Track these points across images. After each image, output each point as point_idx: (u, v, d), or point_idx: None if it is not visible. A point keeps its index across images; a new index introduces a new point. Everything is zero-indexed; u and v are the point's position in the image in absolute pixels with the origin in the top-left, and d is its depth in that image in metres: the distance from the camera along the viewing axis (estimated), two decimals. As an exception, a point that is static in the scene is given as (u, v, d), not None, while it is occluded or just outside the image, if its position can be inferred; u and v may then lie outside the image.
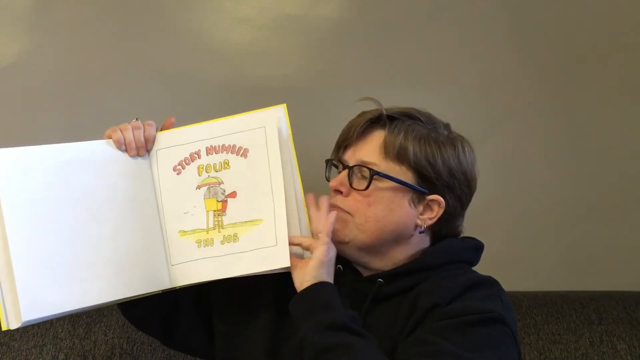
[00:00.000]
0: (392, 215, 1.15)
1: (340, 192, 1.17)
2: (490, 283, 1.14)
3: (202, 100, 1.64)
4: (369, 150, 1.16)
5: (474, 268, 1.22)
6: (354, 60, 1.66)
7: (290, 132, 1.21)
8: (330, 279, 1.11)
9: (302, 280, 1.10)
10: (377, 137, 1.16)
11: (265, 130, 1.21)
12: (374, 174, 1.14)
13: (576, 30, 1.66)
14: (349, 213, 1.16)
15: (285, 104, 1.22)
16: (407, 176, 1.15)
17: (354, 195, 1.16)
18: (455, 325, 1.04)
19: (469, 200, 1.22)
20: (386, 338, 1.09)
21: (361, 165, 1.15)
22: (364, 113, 1.19)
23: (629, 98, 1.68)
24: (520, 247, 1.69)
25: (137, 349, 1.48)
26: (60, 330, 1.49)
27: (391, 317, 1.12)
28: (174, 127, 1.26)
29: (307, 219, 1.18)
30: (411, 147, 1.14)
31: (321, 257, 1.10)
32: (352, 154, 1.18)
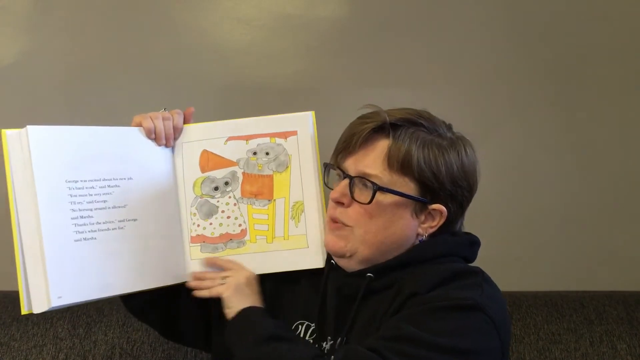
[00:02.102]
0: (393, 227, 1.14)
1: (342, 204, 1.15)
2: (473, 273, 1.12)
3: (202, 100, 1.64)
4: (372, 161, 1.13)
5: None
6: (353, 61, 1.66)
7: (317, 139, 1.25)
8: (252, 300, 1.16)
9: (229, 311, 1.15)
10: (380, 147, 1.13)
11: (298, 136, 1.25)
12: (377, 189, 1.11)
13: (576, 30, 1.66)
14: (349, 226, 1.15)
15: (314, 111, 1.26)
16: (409, 187, 1.12)
17: (356, 206, 1.14)
18: (426, 310, 1.03)
19: (470, 202, 1.20)
20: (370, 332, 1.09)
21: (363, 177, 1.13)
22: (365, 118, 1.15)
23: (629, 98, 1.67)
24: (520, 247, 1.69)
25: (137, 349, 1.48)
26: (60, 330, 1.49)
27: (376, 311, 1.12)
28: (193, 119, 1.28)
29: (324, 222, 1.23)
30: (415, 159, 1.11)
31: (227, 294, 1.17)
32: (353, 163, 1.15)
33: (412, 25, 1.65)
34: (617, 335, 1.45)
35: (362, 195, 1.13)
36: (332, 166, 1.20)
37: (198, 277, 1.23)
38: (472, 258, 1.21)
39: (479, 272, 1.13)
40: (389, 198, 1.12)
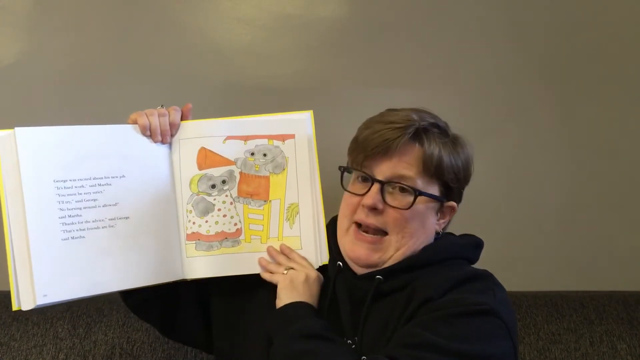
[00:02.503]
0: (423, 228, 1.16)
1: (375, 209, 1.15)
2: (484, 276, 1.14)
3: (202, 100, 1.64)
4: (408, 167, 1.14)
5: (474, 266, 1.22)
6: (353, 61, 1.66)
7: (315, 140, 1.25)
8: (303, 297, 1.15)
9: (279, 301, 1.16)
10: (414, 153, 1.14)
11: (296, 139, 1.25)
12: (419, 194, 1.13)
13: (576, 30, 1.66)
14: (385, 231, 1.15)
15: (312, 110, 1.26)
16: (435, 189, 1.16)
17: (390, 211, 1.14)
18: (443, 316, 1.04)
19: None
20: (384, 337, 1.10)
21: (398, 182, 1.13)
22: (392, 123, 1.14)
23: (629, 98, 1.67)
24: (520, 247, 1.69)
25: (137, 349, 1.48)
26: (60, 330, 1.49)
27: (388, 315, 1.12)
28: (191, 114, 1.28)
29: (324, 227, 1.25)
30: (445, 163, 1.14)
31: (281, 285, 1.18)
32: (387, 168, 1.14)
33: (412, 26, 1.65)
34: (617, 335, 1.45)
35: (396, 200, 1.14)
36: (350, 169, 1.20)
37: (270, 256, 1.25)
38: (475, 259, 1.23)
39: (488, 275, 1.16)
40: (422, 201, 1.14)
